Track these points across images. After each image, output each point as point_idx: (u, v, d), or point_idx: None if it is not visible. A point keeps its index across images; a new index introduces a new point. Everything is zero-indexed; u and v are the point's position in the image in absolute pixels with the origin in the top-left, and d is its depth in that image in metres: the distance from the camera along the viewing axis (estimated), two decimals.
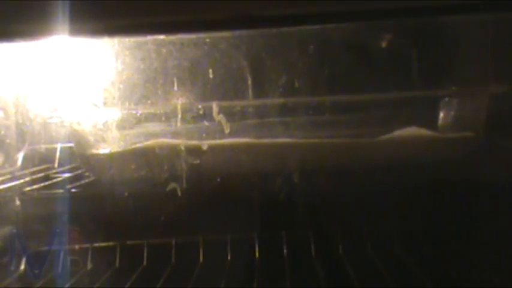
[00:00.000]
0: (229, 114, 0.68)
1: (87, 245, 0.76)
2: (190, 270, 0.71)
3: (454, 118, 0.73)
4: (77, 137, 0.71)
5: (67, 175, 0.79)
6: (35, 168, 0.78)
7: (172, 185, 0.69)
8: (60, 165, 0.79)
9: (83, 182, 0.77)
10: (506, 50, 0.65)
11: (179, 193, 0.69)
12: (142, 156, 0.70)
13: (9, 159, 0.74)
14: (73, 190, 0.75)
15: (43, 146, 0.75)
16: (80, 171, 0.78)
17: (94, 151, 0.71)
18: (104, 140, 0.70)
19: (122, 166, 0.71)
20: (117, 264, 0.75)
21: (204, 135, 0.68)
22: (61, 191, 0.75)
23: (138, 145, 0.70)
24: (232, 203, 0.73)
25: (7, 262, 0.72)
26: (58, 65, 0.66)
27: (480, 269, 0.65)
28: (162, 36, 0.60)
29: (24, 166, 0.76)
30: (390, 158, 0.70)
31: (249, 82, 0.69)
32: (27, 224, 0.73)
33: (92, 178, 0.76)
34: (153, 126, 0.71)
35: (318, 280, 0.66)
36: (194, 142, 0.68)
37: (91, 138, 0.70)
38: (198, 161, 0.68)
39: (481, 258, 0.67)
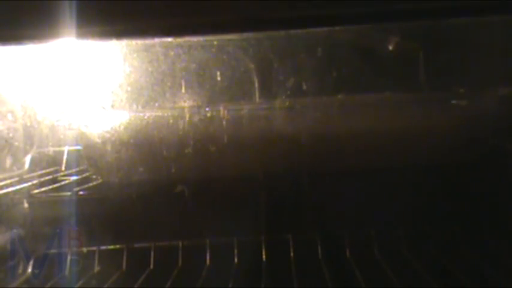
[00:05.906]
0: (237, 116, 0.68)
1: (95, 248, 0.76)
2: (197, 273, 0.71)
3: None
4: (84, 140, 0.71)
5: (75, 178, 0.79)
6: (42, 171, 0.78)
7: (179, 188, 0.69)
8: (67, 167, 0.79)
9: (90, 184, 0.77)
10: None
11: (186, 195, 0.69)
12: (150, 158, 0.70)
13: (17, 162, 0.75)
14: (80, 193, 0.75)
15: (51, 149, 0.76)
16: (87, 174, 0.79)
17: (101, 153, 0.71)
18: (111, 143, 0.70)
19: (129, 169, 0.71)
20: (124, 267, 0.75)
21: (211, 137, 0.68)
22: (69, 193, 0.75)
23: (145, 147, 0.70)
24: (239, 206, 0.73)
25: (14, 264, 0.72)
26: (66, 67, 0.67)
27: (486, 269, 0.65)
28: (169, 39, 0.61)
29: (32, 169, 0.77)
30: (397, 161, 0.70)
31: (256, 84, 0.69)
32: (35, 226, 0.73)
33: (99, 181, 0.76)
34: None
35: (325, 282, 0.66)
36: (201, 144, 0.68)
37: (99, 141, 0.70)
38: (205, 163, 0.68)
39: (487, 259, 0.67)
